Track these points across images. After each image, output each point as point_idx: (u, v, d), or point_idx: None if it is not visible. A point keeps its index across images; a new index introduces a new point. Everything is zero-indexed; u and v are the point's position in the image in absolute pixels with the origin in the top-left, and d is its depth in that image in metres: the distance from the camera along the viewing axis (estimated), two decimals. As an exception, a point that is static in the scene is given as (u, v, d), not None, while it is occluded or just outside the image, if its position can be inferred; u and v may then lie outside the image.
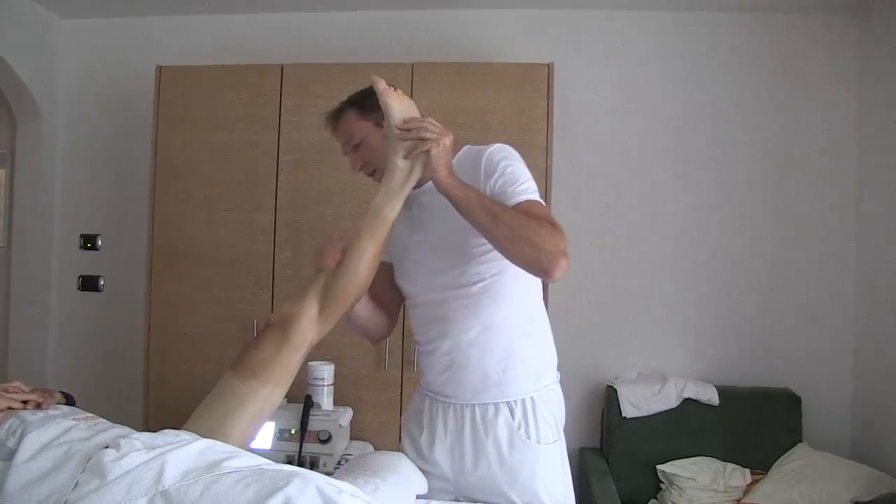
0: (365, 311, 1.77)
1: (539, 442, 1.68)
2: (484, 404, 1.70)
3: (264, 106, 3.08)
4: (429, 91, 2.92)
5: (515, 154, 1.71)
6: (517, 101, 2.98)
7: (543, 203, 1.62)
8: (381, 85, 1.55)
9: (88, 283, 3.76)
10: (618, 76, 3.45)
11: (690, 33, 3.41)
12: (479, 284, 1.68)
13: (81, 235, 3.76)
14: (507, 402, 1.69)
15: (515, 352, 1.70)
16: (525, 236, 1.48)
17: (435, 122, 1.53)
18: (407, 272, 1.80)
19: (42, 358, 3.74)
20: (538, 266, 1.50)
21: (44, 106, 3.67)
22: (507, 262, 1.65)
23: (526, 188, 1.62)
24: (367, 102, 1.76)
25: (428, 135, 1.50)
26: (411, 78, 2.97)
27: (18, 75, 3.50)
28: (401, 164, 1.55)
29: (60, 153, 3.79)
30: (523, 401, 1.69)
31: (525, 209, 1.56)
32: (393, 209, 1.57)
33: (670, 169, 3.41)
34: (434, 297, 1.73)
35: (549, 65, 2.98)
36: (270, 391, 1.47)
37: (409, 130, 1.52)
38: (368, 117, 1.76)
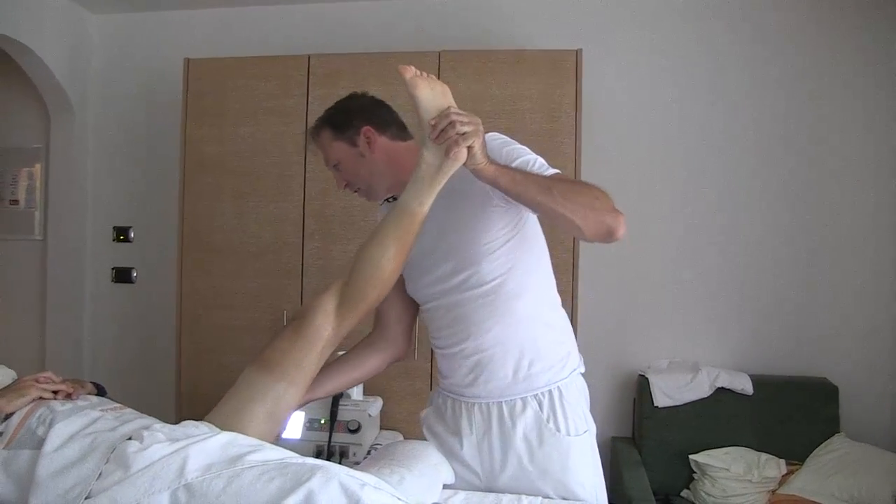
0: (330, 388, 1.79)
1: (569, 434, 1.65)
2: (511, 400, 1.67)
3: (292, 97, 3.09)
4: (456, 79, 2.89)
5: (506, 136, 1.68)
6: (545, 88, 2.95)
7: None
8: (408, 74, 1.43)
9: (122, 275, 3.81)
10: (647, 61, 3.39)
11: (721, 17, 3.34)
12: (495, 282, 1.63)
13: (114, 228, 3.82)
14: (535, 395, 1.66)
15: (539, 344, 1.67)
16: (583, 202, 1.48)
17: (460, 112, 1.41)
18: (416, 280, 1.75)
19: (77, 348, 3.81)
20: (604, 229, 1.49)
21: (76, 101, 3.73)
22: (518, 255, 1.65)
23: (542, 164, 1.60)
24: (339, 120, 1.73)
25: (464, 129, 1.38)
26: (438, 66, 2.97)
27: (52, 71, 3.55)
28: (429, 157, 1.45)
29: (93, 147, 3.84)
30: (550, 392, 1.66)
31: (562, 179, 1.54)
32: (421, 204, 1.48)
33: (702, 155, 3.35)
34: (448, 300, 1.69)
35: (577, 51, 2.95)
36: (284, 389, 1.45)
37: (443, 131, 1.40)
38: (342, 136, 1.72)
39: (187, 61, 3.17)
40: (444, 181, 1.47)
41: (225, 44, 3.54)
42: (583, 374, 1.76)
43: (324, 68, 3.08)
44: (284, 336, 1.51)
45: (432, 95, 1.45)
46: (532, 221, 1.69)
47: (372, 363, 1.86)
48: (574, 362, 1.73)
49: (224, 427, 1.36)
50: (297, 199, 3.09)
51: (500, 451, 1.68)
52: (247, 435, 1.36)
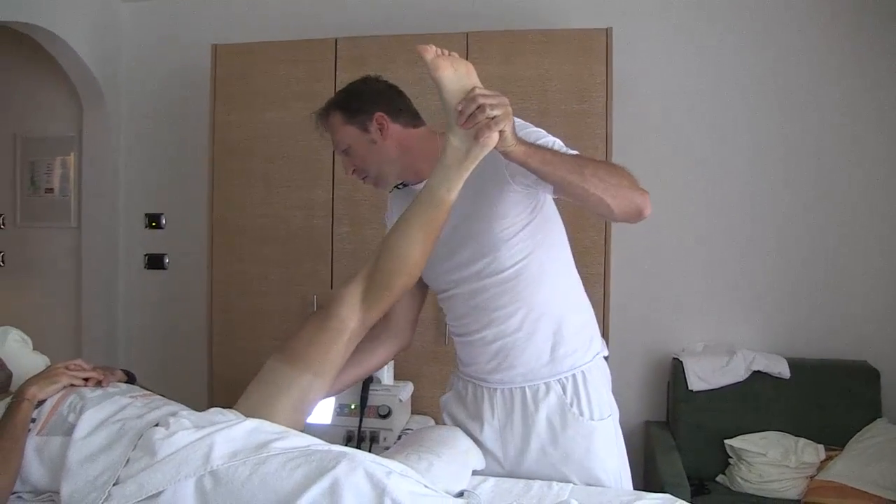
0: (340, 386, 1.73)
1: (592, 418, 1.64)
2: (534, 385, 1.66)
3: (319, 80, 3.07)
4: (484, 60, 2.85)
5: (521, 120, 1.59)
6: (575, 68, 2.90)
7: None
8: (428, 55, 1.34)
9: (154, 262, 3.85)
10: (678, 39, 3.31)
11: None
12: (515, 268, 1.61)
13: (146, 215, 3.85)
14: (559, 380, 1.65)
15: (563, 328, 1.65)
16: (613, 182, 1.44)
17: (487, 93, 1.33)
18: (433, 268, 1.70)
19: (112, 334, 3.86)
20: (633, 208, 1.46)
21: (107, 90, 3.75)
22: (537, 239, 1.62)
23: (561, 145, 1.56)
24: (351, 104, 1.68)
25: (494, 113, 1.30)
26: (466, 47, 2.93)
27: (84, 61, 3.58)
28: (457, 142, 1.38)
29: (124, 135, 3.88)
30: (574, 376, 1.65)
31: (588, 159, 1.51)
32: (449, 191, 1.42)
33: (736, 136, 3.27)
34: (468, 287, 1.66)
35: (607, 30, 2.89)
36: (310, 380, 1.45)
37: (471, 116, 1.32)
38: (353, 121, 1.66)
39: (214, 47, 3.17)
40: (472, 167, 1.41)
41: (253, 28, 3.53)
42: (606, 358, 1.74)
43: (351, 51, 3.06)
44: (309, 327, 1.50)
45: (456, 77, 1.37)
46: (549, 205, 1.66)
47: (378, 358, 1.84)
48: (597, 346, 1.72)
49: (253, 416, 1.36)
50: (326, 184, 3.08)
51: (522, 435, 1.68)
52: (275, 422, 1.36)
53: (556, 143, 1.56)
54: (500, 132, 1.33)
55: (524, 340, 1.64)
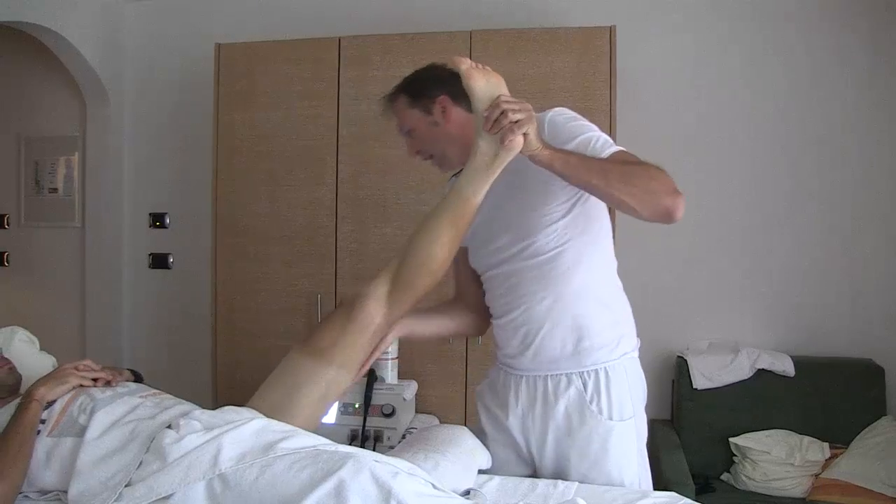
0: (429, 329, 1.86)
1: (611, 418, 1.64)
2: (557, 375, 1.68)
3: (323, 80, 3.07)
4: (488, 59, 2.79)
5: (573, 113, 1.67)
6: (579, 66, 2.89)
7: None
8: (463, 66, 1.46)
9: (158, 261, 3.85)
10: (683, 37, 3.30)
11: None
12: (550, 254, 1.64)
13: (150, 214, 3.85)
14: (580, 374, 1.66)
15: (591, 321, 1.66)
16: (642, 186, 1.48)
17: (511, 100, 1.42)
18: (477, 250, 1.78)
19: (116, 334, 3.87)
20: (662, 210, 1.49)
21: (111, 90, 3.76)
22: (578, 230, 1.65)
23: (606, 141, 1.59)
24: (416, 88, 1.75)
25: (517, 117, 1.39)
26: (470, 46, 2.92)
27: (87, 61, 3.59)
28: (485, 146, 1.46)
29: (128, 135, 3.88)
30: (597, 372, 1.66)
31: (621, 160, 1.53)
32: (475, 192, 1.50)
33: (741, 133, 3.27)
34: (506, 269, 1.70)
35: (610, 27, 2.89)
36: (335, 373, 1.47)
37: (496, 121, 1.41)
38: (417, 104, 1.73)
39: (218, 46, 3.17)
40: (499, 170, 1.49)
41: (256, 27, 3.53)
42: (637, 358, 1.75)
43: (355, 50, 3.05)
44: (335, 322, 1.53)
45: (487, 87, 1.46)
46: (594, 199, 1.68)
47: (464, 320, 1.91)
48: (627, 345, 1.72)
49: (274, 413, 1.38)
50: (329, 183, 3.08)
51: (542, 425, 1.69)
52: (296, 419, 1.39)
53: (600, 140, 1.58)
54: (525, 136, 1.40)
55: (550, 328, 1.66)
